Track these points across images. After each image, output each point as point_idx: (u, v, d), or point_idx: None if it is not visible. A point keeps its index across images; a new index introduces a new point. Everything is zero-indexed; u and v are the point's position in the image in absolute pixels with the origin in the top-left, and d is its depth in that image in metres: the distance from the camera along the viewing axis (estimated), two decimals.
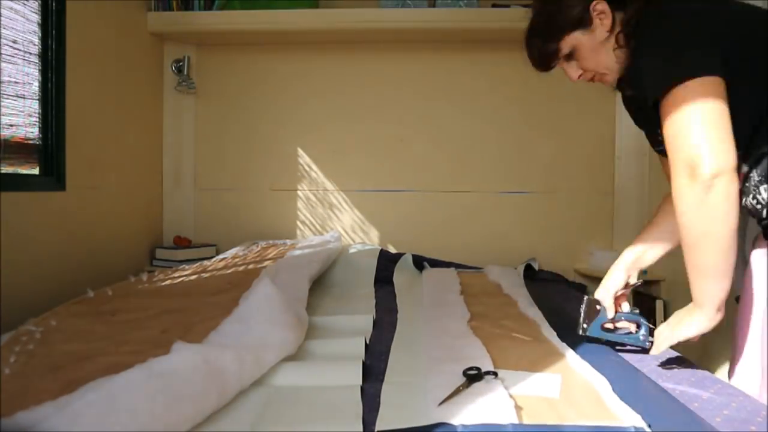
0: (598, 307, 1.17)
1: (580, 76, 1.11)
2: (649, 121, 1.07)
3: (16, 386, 0.86)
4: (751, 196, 0.94)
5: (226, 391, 0.85)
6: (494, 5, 2.39)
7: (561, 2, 1.06)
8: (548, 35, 1.07)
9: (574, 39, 1.06)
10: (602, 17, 1.03)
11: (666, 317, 2.17)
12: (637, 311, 1.19)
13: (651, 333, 1.14)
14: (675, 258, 2.23)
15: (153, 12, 2.39)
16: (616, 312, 1.16)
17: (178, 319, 1.27)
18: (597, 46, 1.05)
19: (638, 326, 1.16)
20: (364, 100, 2.59)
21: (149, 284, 1.70)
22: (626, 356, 1.13)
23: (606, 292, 1.15)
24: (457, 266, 2.26)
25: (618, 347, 1.16)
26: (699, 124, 0.86)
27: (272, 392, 0.93)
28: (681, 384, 0.97)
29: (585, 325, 1.16)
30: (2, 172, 1.63)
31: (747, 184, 0.94)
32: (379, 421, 0.80)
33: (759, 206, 0.94)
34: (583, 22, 1.04)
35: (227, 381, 0.86)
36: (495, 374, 0.93)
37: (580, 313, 1.18)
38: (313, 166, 2.61)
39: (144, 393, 0.72)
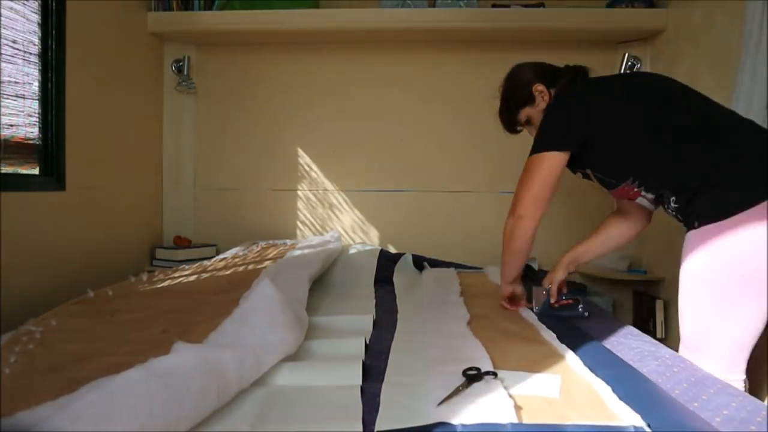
0: (544, 293, 1.54)
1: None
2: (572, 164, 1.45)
3: (16, 386, 0.86)
4: (666, 204, 1.32)
5: (226, 391, 0.85)
6: (494, 5, 2.39)
7: (514, 88, 1.53)
8: (508, 111, 1.56)
9: (526, 113, 1.52)
10: (542, 95, 1.48)
11: (666, 316, 2.18)
12: (578, 290, 1.60)
13: (587, 307, 1.51)
14: (675, 260, 2.24)
15: (153, 12, 2.39)
16: (559, 294, 1.55)
17: (178, 319, 1.27)
18: (540, 115, 1.46)
19: (577, 302, 1.52)
20: (364, 100, 2.59)
21: (149, 284, 1.70)
22: (626, 356, 1.13)
23: (551, 282, 1.54)
24: (457, 266, 2.26)
25: (567, 319, 1.48)
26: (533, 182, 1.37)
27: (272, 392, 0.93)
28: (681, 384, 0.97)
29: (535, 308, 1.55)
30: (2, 172, 1.63)
31: (664, 199, 1.31)
32: (379, 421, 0.80)
33: (670, 210, 1.32)
34: (529, 100, 1.50)
35: (227, 381, 0.86)
36: (494, 374, 0.93)
37: (533, 298, 1.58)
38: (313, 166, 2.61)
39: (144, 393, 0.72)
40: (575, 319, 1.46)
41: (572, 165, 1.42)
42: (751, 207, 1.11)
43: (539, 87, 1.47)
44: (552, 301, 1.52)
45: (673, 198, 1.27)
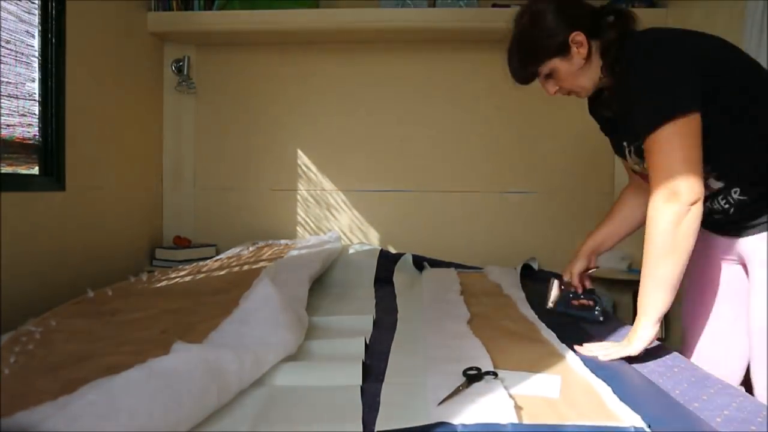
0: (563, 286, 1.36)
1: (556, 91, 1.23)
2: (616, 130, 1.25)
3: (16, 386, 0.86)
4: (724, 200, 1.11)
5: (226, 391, 0.85)
6: (494, 5, 2.39)
7: (544, 30, 1.15)
8: (530, 58, 1.18)
9: (554, 64, 1.17)
10: (579, 47, 1.15)
11: (666, 316, 2.17)
12: (594, 291, 1.38)
13: (604, 310, 1.35)
14: None
15: (153, 12, 2.39)
16: (580, 291, 1.36)
17: (178, 319, 1.27)
18: (574, 70, 1.17)
19: (594, 303, 1.35)
20: (363, 100, 2.59)
21: (149, 284, 1.70)
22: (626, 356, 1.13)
23: (571, 274, 1.35)
24: (457, 266, 2.26)
25: (579, 320, 1.34)
26: (680, 161, 1.00)
27: (272, 392, 0.93)
28: (681, 384, 0.96)
29: (552, 302, 1.36)
30: (2, 172, 1.63)
31: (722, 191, 1.10)
32: (379, 421, 0.80)
33: (727, 205, 1.11)
34: (563, 50, 1.15)
35: (227, 381, 0.86)
36: (495, 374, 0.93)
37: (548, 291, 1.37)
38: (312, 167, 2.61)
39: (144, 393, 0.72)
40: (585, 321, 1.34)
41: (627, 133, 1.18)
42: None
43: (578, 37, 1.14)
44: (571, 296, 1.35)
45: (738, 189, 1.08)
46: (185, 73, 2.54)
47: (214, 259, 2.16)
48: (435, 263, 2.26)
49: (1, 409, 0.73)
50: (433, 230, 2.57)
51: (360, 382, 0.96)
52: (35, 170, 1.79)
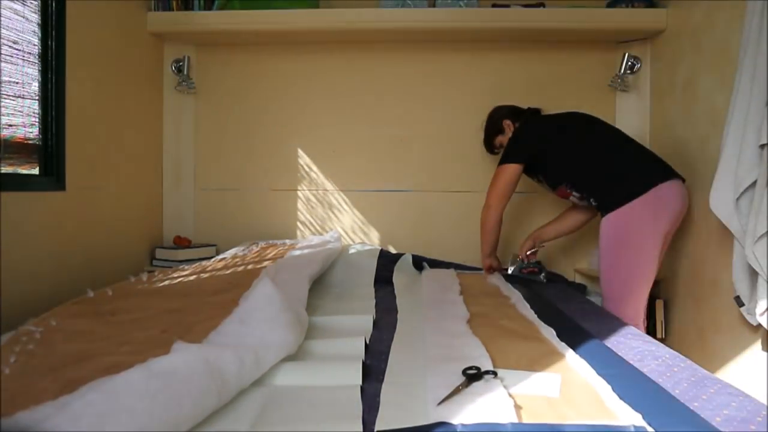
0: (517, 258, 2.13)
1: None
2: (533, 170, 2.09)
3: (16, 386, 0.86)
4: (586, 202, 1.94)
5: (226, 391, 0.85)
6: (494, 5, 2.39)
7: (491, 122, 2.19)
8: (487, 138, 2.22)
9: (499, 140, 2.17)
10: (509, 127, 2.13)
11: (666, 316, 2.18)
12: (538, 262, 2.15)
13: (547, 274, 2.11)
14: (674, 259, 2.24)
15: (153, 12, 2.39)
16: (527, 263, 2.12)
17: (178, 319, 1.27)
18: (506, 140, 2.11)
19: (539, 271, 2.10)
20: (364, 100, 2.59)
21: (149, 284, 1.70)
22: (626, 356, 1.13)
23: (521, 250, 2.13)
24: (457, 267, 2.26)
25: (529, 281, 2.05)
26: (497, 185, 1.99)
27: (272, 392, 0.93)
28: (681, 384, 0.97)
29: (510, 270, 2.11)
30: (2, 172, 1.63)
31: (584, 198, 1.93)
32: (379, 421, 0.80)
33: (594, 205, 1.92)
34: (500, 131, 2.16)
35: (227, 381, 0.86)
36: (494, 374, 0.94)
37: (509, 263, 2.13)
38: (313, 167, 2.61)
39: (144, 393, 0.72)
40: (534, 282, 2.04)
41: (529, 172, 2.04)
42: (635, 198, 1.75)
43: (507, 121, 2.13)
44: (522, 265, 2.10)
45: (593, 198, 1.89)
46: (185, 73, 2.54)
47: (215, 259, 2.16)
48: (434, 263, 2.27)
49: (1, 409, 0.73)
50: (433, 230, 2.57)
51: (360, 382, 0.96)
52: (35, 170, 1.79)
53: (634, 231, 1.78)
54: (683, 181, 1.86)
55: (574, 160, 1.91)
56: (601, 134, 1.93)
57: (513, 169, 1.95)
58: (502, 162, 1.97)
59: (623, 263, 1.82)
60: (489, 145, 2.21)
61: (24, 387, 0.86)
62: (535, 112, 2.16)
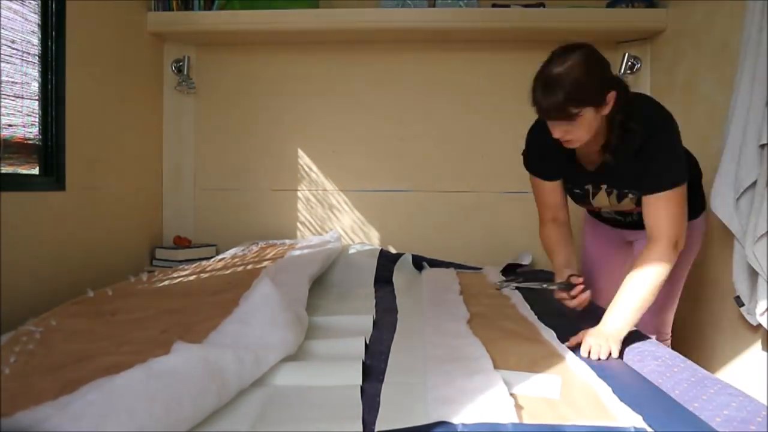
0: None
1: (560, 136, 1.30)
2: (584, 176, 1.47)
3: (16, 386, 0.86)
4: (629, 216, 1.57)
5: (226, 391, 0.85)
6: (494, 5, 2.39)
7: (594, 80, 1.24)
8: (574, 98, 1.22)
9: (587, 112, 1.24)
10: (608, 106, 1.27)
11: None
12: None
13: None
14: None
15: (153, 12, 2.39)
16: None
17: (178, 319, 1.27)
18: (591, 123, 1.26)
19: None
20: (364, 100, 2.59)
21: (149, 284, 1.70)
22: (626, 357, 1.13)
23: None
24: (457, 266, 2.26)
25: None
26: (680, 217, 1.29)
27: (272, 392, 0.93)
28: (681, 384, 0.97)
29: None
30: (2, 172, 1.63)
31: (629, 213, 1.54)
32: (379, 421, 0.80)
33: (629, 219, 1.57)
34: (600, 103, 1.25)
35: (227, 381, 0.86)
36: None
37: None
38: (313, 167, 2.61)
39: (144, 393, 0.72)
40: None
41: (616, 180, 1.43)
42: (697, 217, 1.51)
43: (612, 94, 1.27)
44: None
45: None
46: (185, 73, 2.54)
47: (215, 259, 2.16)
48: (434, 263, 2.27)
49: (1, 409, 0.73)
50: (432, 230, 2.57)
51: (360, 382, 0.96)
52: (35, 170, 1.79)
53: (691, 246, 1.50)
54: None
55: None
56: None
57: (684, 188, 1.32)
58: (677, 184, 1.29)
59: (674, 290, 1.60)
60: (564, 109, 1.22)
61: (24, 387, 0.86)
62: (626, 86, 1.37)
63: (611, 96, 1.26)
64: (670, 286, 1.47)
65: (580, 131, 1.27)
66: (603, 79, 1.27)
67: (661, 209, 1.29)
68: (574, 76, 1.22)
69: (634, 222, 1.53)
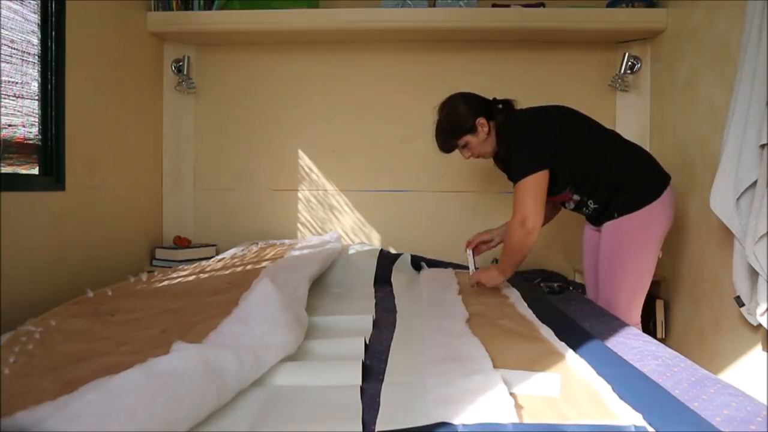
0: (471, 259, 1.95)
1: (469, 157, 1.83)
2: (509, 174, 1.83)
3: (16, 386, 0.86)
4: (584, 207, 1.79)
5: (226, 391, 0.85)
6: (494, 5, 2.39)
7: (459, 116, 1.76)
8: (451, 135, 1.77)
9: (466, 139, 1.77)
10: (482, 126, 1.75)
11: (666, 316, 2.18)
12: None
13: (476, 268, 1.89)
14: (675, 259, 2.24)
15: (153, 12, 2.39)
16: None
17: (177, 319, 1.27)
18: (479, 142, 1.77)
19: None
20: (364, 100, 2.59)
21: (149, 284, 1.70)
22: (626, 356, 1.13)
23: (473, 243, 1.96)
24: (455, 266, 2.26)
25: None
26: (527, 200, 1.62)
27: (272, 392, 0.93)
28: (681, 384, 0.96)
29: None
30: (2, 172, 1.63)
31: (582, 202, 1.78)
32: (379, 421, 0.80)
33: (587, 210, 1.79)
34: (472, 129, 1.76)
35: (227, 381, 0.86)
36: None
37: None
38: (314, 167, 2.61)
39: (143, 393, 0.72)
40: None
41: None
42: (650, 203, 1.66)
43: (481, 120, 1.75)
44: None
45: (591, 201, 1.75)
46: (185, 73, 2.54)
47: (215, 259, 2.16)
48: (432, 263, 2.27)
49: (1, 409, 0.73)
50: (432, 230, 2.57)
51: (360, 382, 0.96)
52: (35, 170, 1.79)
53: (647, 236, 1.69)
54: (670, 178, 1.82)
55: (584, 161, 1.71)
56: (602, 130, 1.77)
57: (543, 177, 1.63)
58: (525, 173, 1.63)
59: (630, 271, 1.71)
60: (449, 145, 1.79)
61: (24, 387, 0.86)
62: (507, 104, 1.83)
63: (480, 121, 1.74)
64: (633, 276, 1.72)
65: (475, 150, 1.79)
66: (466, 115, 1.75)
67: (515, 195, 1.65)
68: (443, 122, 1.78)
69: (591, 214, 1.80)
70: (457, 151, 1.76)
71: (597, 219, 1.79)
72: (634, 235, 1.68)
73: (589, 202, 1.76)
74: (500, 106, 1.80)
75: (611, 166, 1.70)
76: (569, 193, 1.77)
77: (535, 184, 1.62)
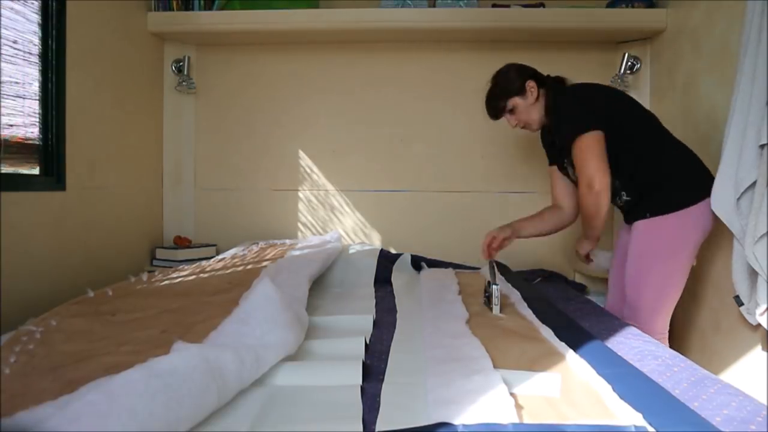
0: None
1: (515, 125, 1.82)
2: (560, 155, 1.83)
3: (16, 386, 0.86)
4: (617, 197, 1.74)
5: (227, 391, 0.85)
6: (494, 5, 2.39)
7: (509, 79, 1.76)
8: (499, 97, 1.78)
9: (514, 102, 1.76)
10: (532, 90, 1.75)
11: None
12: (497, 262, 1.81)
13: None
14: None
15: (153, 12, 2.39)
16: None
17: (178, 319, 1.27)
18: (527, 107, 1.77)
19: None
20: (364, 100, 2.59)
21: (149, 284, 1.70)
22: (626, 356, 1.13)
23: (496, 239, 1.78)
24: (455, 266, 2.26)
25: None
26: (588, 161, 1.59)
27: (272, 392, 0.93)
28: (681, 383, 0.97)
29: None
30: (2, 172, 1.63)
31: (615, 190, 1.70)
32: (379, 421, 0.80)
33: (619, 201, 1.76)
34: (520, 92, 1.75)
35: (227, 381, 0.86)
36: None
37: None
38: (314, 168, 2.61)
39: (144, 393, 0.72)
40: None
41: (561, 155, 1.81)
42: (686, 207, 1.61)
43: (531, 83, 1.74)
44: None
45: (625, 192, 1.71)
46: (185, 73, 2.54)
47: (215, 259, 2.16)
48: (432, 263, 2.27)
49: (1, 409, 0.73)
50: (433, 230, 2.57)
51: (360, 382, 0.96)
52: (35, 170, 1.79)
53: (680, 241, 1.62)
54: None
55: (623, 144, 1.63)
56: (653, 122, 1.70)
57: (599, 136, 1.59)
58: (579, 132, 1.59)
59: (663, 272, 1.65)
60: (497, 107, 1.78)
61: (24, 387, 0.86)
62: (558, 78, 1.81)
63: (529, 84, 1.73)
64: (660, 280, 1.67)
65: (522, 116, 1.77)
66: (516, 78, 1.74)
67: (575, 159, 1.62)
68: (493, 84, 1.80)
69: (624, 207, 1.77)
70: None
71: (629, 213, 1.74)
72: (666, 238, 1.62)
73: (622, 193, 1.71)
74: (552, 79, 1.80)
75: (651, 158, 1.63)
76: None
77: (592, 143, 1.57)
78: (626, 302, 1.73)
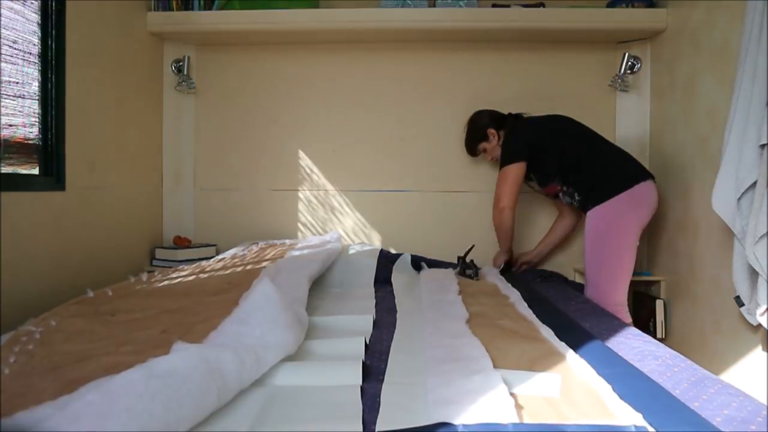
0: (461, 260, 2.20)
1: (489, 159, 2.36)
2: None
3: (16, 386, 0.86)
4: (573, 199, 2.12)
5: (226, 391, 0.85)
6: (494, 5, 2.39)
7: (476, 128, 2.30)
8: (471, 142, 2.33)
9: (483, 145, 2.30)
10: (493, 135, 2.26)
11: (666, 316, 2.18)
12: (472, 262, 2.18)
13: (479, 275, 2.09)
14: (675, 260, 2.24)
15: (153, 12, 2.39)
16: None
17: (178, 319, 1.27)
18: (493, 147, 2.27)
19: (475, 273, 2.08)
20: (364, 100, 2.59)
21: (149, 284, 1.69)
22: (626, 356, 1.13)
23: (516, 263, 2.46)
24: (455, 267, 2.26)
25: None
26: (505, 186, 2.11)
27: (272, 392, 0.93)
28: (681, 384, 0.96)
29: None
30: (2, 172, 1.63)
31: (569, 193, 2.12)
32: (379, 421, 0.80)
33: (574, 203, 2.12)
34: (485, 138, 2.28)
35: (227, 381, 0.86)
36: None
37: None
38: (314, 168, 2.61)
39: (144, 393, 0.72)
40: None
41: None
42: (619, 194, 1.96)
43: (491, 130, 2.25)
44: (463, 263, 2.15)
45: (577, 193, 2.08)
46: (185, 73, 2.54)
47: (215, 259, 2.16)
48: (432, 263, 2.27)
49: (1, 409, 0.73)
50: (432, 230, 2.57)
51: (360, 382, 0.96)
52: (35, 170, 1.79)
53: (617, 224, 1.97)
54: (654, 180, 2.03)
55: (567, 156, 2.06)
56: (586, 134, 2.11)
57: (518, 167, 2.08)
58: (505, 164, 2.10)
59: (608, 252, 1.98)
60: (472, 150, 2.35)
61: (24, 387, 0.86)
62: (516, 117, 2.26)
63: (491, 131, 2.26)
64: (611, 258, 1.99)
65: (490, 154, 2.31)
66: (480, 126, 2.28)
67: (497, 180, 2.15)
68: (467, 133, 2.34)
69: (579, 206, 2.12)
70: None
71: (583, 210, 2.08)
72: (607, 221, 1.98)
73: (575, 195, 2.09)
74: (508, 116, 2.27)
75: (588, 163, 2.04)
76: (556, 185, 2.13)
77: (509, 173, 2.10)
78: (587, 282, 2.04)
